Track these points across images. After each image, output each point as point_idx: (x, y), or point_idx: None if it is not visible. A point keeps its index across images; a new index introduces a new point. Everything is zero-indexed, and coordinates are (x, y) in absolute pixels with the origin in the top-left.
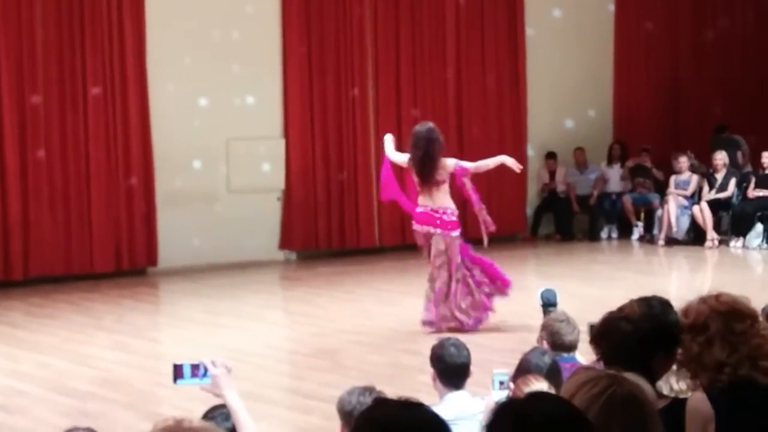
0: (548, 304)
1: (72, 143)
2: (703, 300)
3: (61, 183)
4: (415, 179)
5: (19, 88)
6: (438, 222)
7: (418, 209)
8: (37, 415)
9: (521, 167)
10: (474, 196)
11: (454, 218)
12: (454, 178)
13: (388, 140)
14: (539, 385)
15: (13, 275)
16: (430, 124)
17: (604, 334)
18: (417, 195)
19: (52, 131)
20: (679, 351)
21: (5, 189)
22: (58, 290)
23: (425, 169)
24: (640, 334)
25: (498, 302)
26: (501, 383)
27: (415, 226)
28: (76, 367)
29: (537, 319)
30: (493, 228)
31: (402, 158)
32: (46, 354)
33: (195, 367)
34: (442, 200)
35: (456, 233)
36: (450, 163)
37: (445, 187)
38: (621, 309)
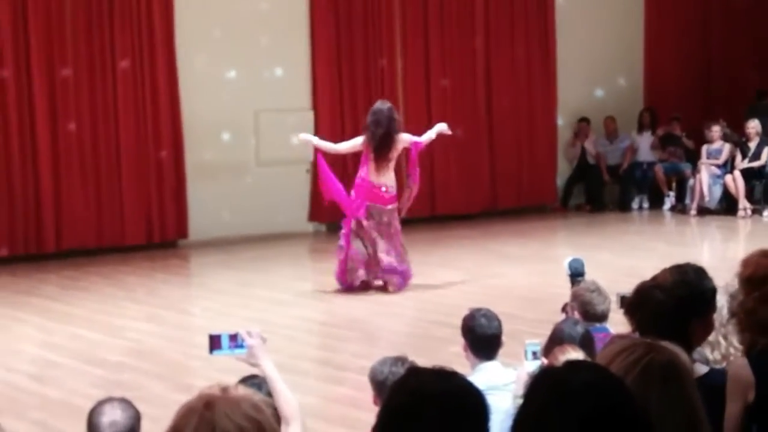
0: (576, 273)
1: (102, 116)
2: (764, 254)
3: (91, 156)
4: (371, 156)
5: (49, 61)
6: (386, 197)
7: (368, 185)
8: (71, 386)
9: (451, 132)
10: (417, 171)
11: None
12: (406, 152)
13: (316, 139)
14: (576, 354)
15: (46, 248)
16: (389, 103)
17: (639, 303)
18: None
19: (82, 104)
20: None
21: (37, 162)
22: (90, 263)
23: (384, 146)
24: (674, 302)
25: (519, 273)
26: (533, 354)
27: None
28: (109, 338)
29: (568, 289)
30: (406, 207)
31: (352, 143)
32: (79, 326)
33: (231, 338)
34: (391, 177)
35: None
36: (405, 138)
37: (393, 164)
38: (654, 278)
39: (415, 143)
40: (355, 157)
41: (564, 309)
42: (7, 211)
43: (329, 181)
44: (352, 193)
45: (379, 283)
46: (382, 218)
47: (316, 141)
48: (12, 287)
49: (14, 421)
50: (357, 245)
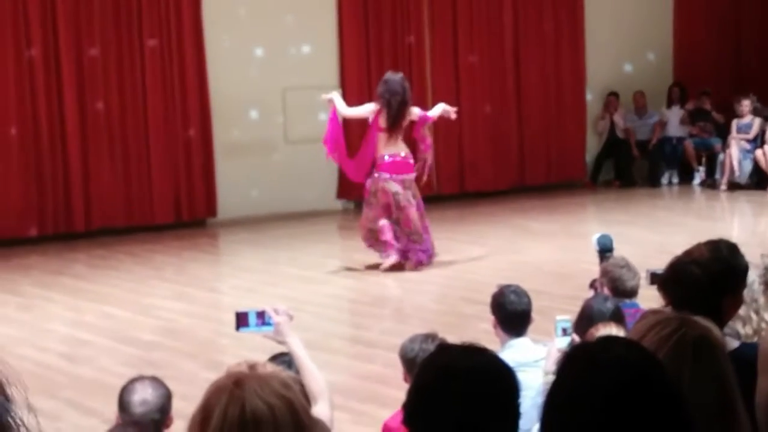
0: (604, 249)
1: (130, 95)
2: None
3: (120, 135)
4: (383, 126)
5: (77, 40)
6: (413, 167)
7: (387, 159)
8: (102, 365)
9: (454, 116)
10: (429, 141)
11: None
12: (413, 125)
13: (338, 97)
14: (615, 331)
15: (75, 228)
16: (401, 73)
17: (674, 279)
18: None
19: (110, 84)
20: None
21: (66, 142)
22: (119, 242)
23: (399, 115)
24: (710, 278)
25: (548, 249)
26: (564, 330)
27: (391, 177)
28: (139, 317)
29: (597, 265)
30: (426, 175)
31: (363, 110)
32: (109, 305)
33: (258, 315)
34: (405, 147)
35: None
36: (416, 111)
37: (402, 134)
38: (689, 253)
39: (424, 116)
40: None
41: (592, 285)
42: (36, 192)
43: (339, 139)
44: (376, 173)
45: (395, 259)
46: (413, 188)
47: (337, 99)
48: (42, 267)
49: (46, 400)
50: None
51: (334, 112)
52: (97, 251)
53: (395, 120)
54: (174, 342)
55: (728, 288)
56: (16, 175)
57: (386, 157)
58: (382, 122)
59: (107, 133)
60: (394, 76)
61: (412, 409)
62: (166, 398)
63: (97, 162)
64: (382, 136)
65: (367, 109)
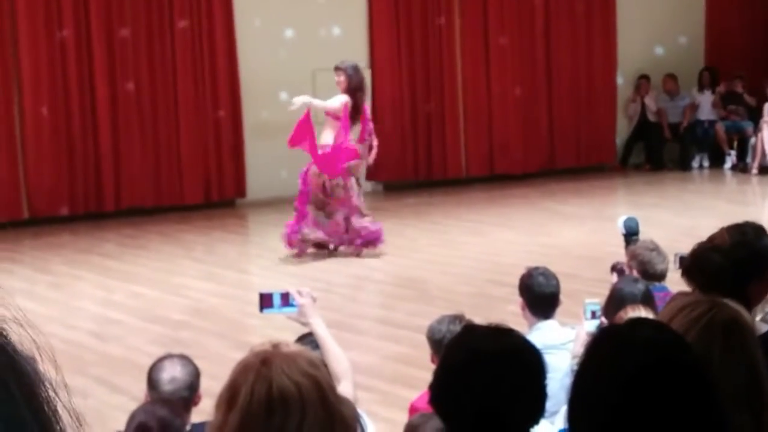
0: (631, 233)
1: (160, 76)
2: None
3: (150, 115)
4: (349, 118)
5: (108, 21)
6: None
7: (353, 146)
8: (131, 344)
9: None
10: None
11: None
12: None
13: (310, 99)
14: (644, 313)
15: (106, 207)
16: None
17: (696, 266)
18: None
19: (140, 64)
20: None
21: (96, 122)
22: (149, 222)
23: (359, 107)
24: (733, 264)
25: (577, 232)
26: (593, 313)
27: (356, 162)
28: (168, 296)
29: (624, 248)
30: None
31: (340, 102)
32: (139, 284)
33: (282, 297)
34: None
35: None
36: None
37: None
38: (711, 239)
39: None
40: None
41: (614, 269)
42: (67, 171)
43: (309, 132)
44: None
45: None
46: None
47: (309, 100)
48: (72, 246)
49: (75, 377)
50: (314, 212)
51: (308, 115)
52: (126, 231)
53: (357, 113)
54: (202, 321)
55: (754, 272)
56: (47, 155)
57: (353, 145)
58: (348, 114)
59: (138, 114)
60: (360, 71)
61: (438, 390)
62: (195, 376)
63: (128, 142)
64: (347, 126)
65: (342, 101)
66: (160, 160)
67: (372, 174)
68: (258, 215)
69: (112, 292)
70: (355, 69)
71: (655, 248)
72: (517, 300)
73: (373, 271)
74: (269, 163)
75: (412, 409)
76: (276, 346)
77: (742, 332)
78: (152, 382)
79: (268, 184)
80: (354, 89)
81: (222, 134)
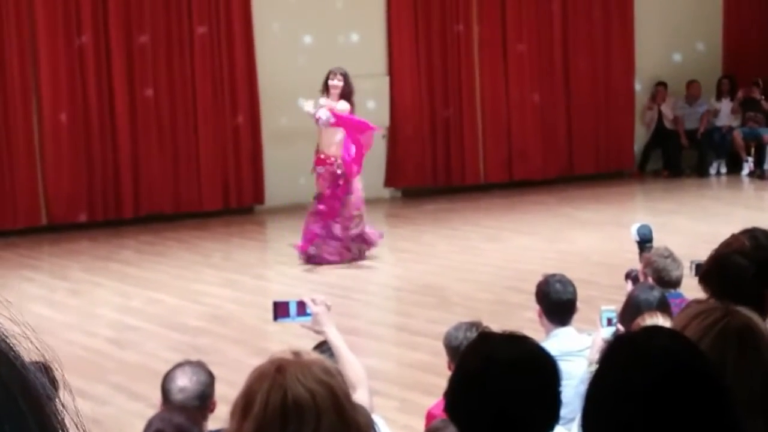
0: (644, 240)
1: (179, 82)
2: None
3: (169, 122)
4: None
5: (127, 28)
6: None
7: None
8: (149, 350)
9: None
10: None
11: None
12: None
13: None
14: (661, 321)
15: (124, 214)
16: None
17: (719, 271)
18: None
19: (159, 71)
20: None
21: (115, 128)
22: (167, 228)
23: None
24: (755, 267)
25: (595, 239)
26: (609, 320)
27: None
28: (186, 303)
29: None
30: None
31: (345, 106)
32: (157, 290)
33: (298, 306)
34: None
35: None
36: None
37: None
38: (728, 244)
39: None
40: None
41: (628, 276)
42: (85, 178)
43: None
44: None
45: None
46: None
47: (331, 104)
48: (91, 253)
49: (94, 384)
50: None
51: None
52: (145, 237)
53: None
54: (220, 328)
55: None
56: (66, 162)
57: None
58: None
59: (156, 120)
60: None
61: (453, 397)
62: (206, 385)
63: (146, 149)
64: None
65: (346, 106)
66: (179, 166)
67: (391, 180)
68: (276, 222)
69: (130, 299)
70: (348, 78)
71: (669, 255)
72: (535, 307)
73: (391, 277)
74: (288, 169)
75: (429, 416)
76: (295, 354)
77: (756, 339)
78: (164, 391)
79: (286, 190)
80: (349, 94)
81: (240, 140)
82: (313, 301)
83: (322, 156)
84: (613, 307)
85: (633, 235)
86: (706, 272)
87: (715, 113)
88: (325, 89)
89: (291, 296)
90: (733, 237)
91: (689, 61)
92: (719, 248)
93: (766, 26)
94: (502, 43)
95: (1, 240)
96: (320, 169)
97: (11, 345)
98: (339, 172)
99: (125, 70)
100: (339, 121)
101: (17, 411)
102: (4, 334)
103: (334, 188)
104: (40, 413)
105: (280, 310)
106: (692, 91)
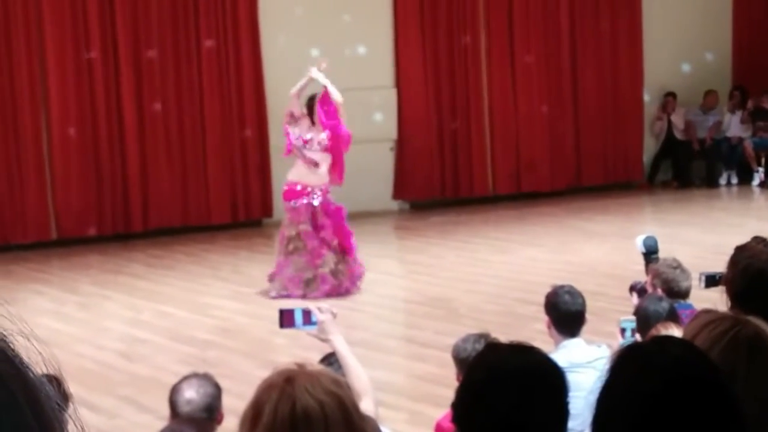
0: (650, 251)
1: (187, 96)
2: None
3: (177, 136)
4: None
5: (135, 42)
6: None
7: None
8: (158, 363)
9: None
10: None
11: None
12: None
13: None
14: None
15: (133, 227)
16: None
17: (740, 275)
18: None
19: (167, 85)
20: None
21: (124, 143)
22: (176, 242)
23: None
24: None
25: (603, 250)
26: (632, 331)
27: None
28: (195, 316)
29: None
30: None
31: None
32: (166, 304)
33: (302, 313)
34: None
35: None
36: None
37: None
38: (743, 248)
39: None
40: None
41: (632, 289)
42: (94, 192)
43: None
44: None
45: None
46: None
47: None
48: (100, 266)
49: (103, 397)
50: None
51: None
52: (154, 251)
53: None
54: (229, 341)
55: None
56: (75, 176)
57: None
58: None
59: (165, 134)
60: None
61: (460, 408)
62: (213, 397)
63: (155, 163)
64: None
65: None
66: (187, 180)
67: (399, 193)
68: None
69: (139, 312)
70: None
71: (678, 266)
72: (544, 318)
73: (400, 290)
74: None
75: (438, 428)
76: (301, 366)
77: (767, 348)
78: (171, 404)
79: None
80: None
81: (249, 154)
82: (319, 309)
83: (299, 187)
84: (632, 318)
85: (639, 247)
86: (730, 278)
87: (722, 124)
88: (309, 113)
89: (295, 305)
90: (749, 245)
91: (698, 71)
92: (737, 255)
93: None
94: (510, 54)
95: (11, 254)
96: (294, 203)
97: (9, 342)
98: (316, 204)
99: (133, 84)
100: (333, 150)
101: (16, 404)
102: (2, 332)
103: (315, 225)
104: (38, 408)
105: (287, 318)
106: (709, 100)
